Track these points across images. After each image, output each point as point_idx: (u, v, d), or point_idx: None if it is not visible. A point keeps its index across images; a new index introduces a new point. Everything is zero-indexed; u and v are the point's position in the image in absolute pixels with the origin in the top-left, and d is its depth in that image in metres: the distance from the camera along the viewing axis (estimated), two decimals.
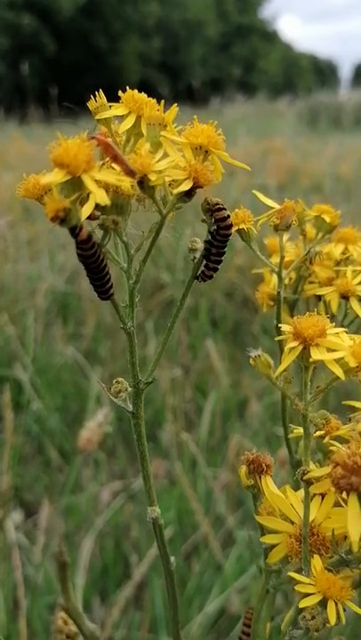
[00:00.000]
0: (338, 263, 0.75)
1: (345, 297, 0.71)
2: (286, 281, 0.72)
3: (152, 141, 0.56)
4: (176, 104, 0.58)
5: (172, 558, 0.66)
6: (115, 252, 0.57)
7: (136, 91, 0.56)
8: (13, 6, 20.53)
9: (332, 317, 0.70)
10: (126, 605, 1.66)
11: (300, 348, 0.52)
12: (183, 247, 3.31)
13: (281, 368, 0.53)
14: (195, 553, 1.84)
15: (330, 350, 0.52)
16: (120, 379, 0.60)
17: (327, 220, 0.71)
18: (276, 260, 0.70)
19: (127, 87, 0.58)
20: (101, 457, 2.17)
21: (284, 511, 0.57)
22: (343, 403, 0.54)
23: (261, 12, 33.69)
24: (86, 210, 0.49)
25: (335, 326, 0.54)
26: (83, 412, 2.32)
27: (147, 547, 1.78)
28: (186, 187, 0.53)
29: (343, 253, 0.75)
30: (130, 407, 0.60)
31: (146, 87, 0.54)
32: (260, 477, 0.60)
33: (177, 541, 1.84)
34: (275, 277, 0.68)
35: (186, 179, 0.54)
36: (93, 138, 0.50)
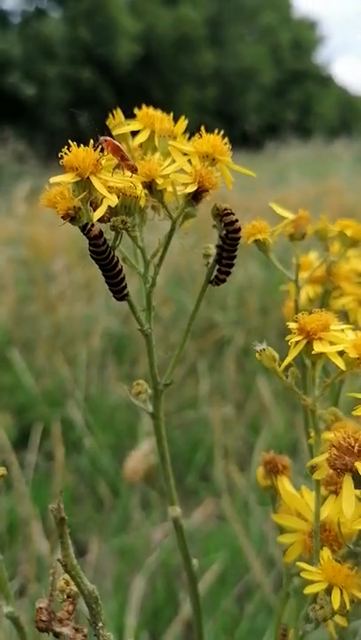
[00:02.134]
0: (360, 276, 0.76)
1: None
2: (312, 295, 0.74)
3: (162, 151, 0.60)
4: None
5: (195, 561, 0.67)
6: (134, 260, 0.60)
7: (151, 108, 0.60)
8: (74, 61, 21.37)
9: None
10: None
11: (304, 341, 0.54)
12: (234, 286, 3.32)
13: (286, 361, 0.55)
14: (247, 595, 1.80)
15: (333, 344, 0.53)
16: (140, 380, 0.63)
17: (348, 234, 0.72)
18: (304, 275, 0.71)
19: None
20: (153, 496, 2.16)
21: (300, 510, 0.59)
22: (348, 394, 0.54)
23: (316, 57, 33.99)
24: (99, 211, 0.53)
25: None
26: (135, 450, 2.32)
27: (199, 587, 1.75)
28: (191, 189, 0.56)
29: None
30: (150, 408, 0.63)
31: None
32: (276, 478, 0.61)
33: (229, 582, 1.80)
34: (301, 292, 0.69)
35: (191, 183, 0.57)
36: (103, 141, 0.54)
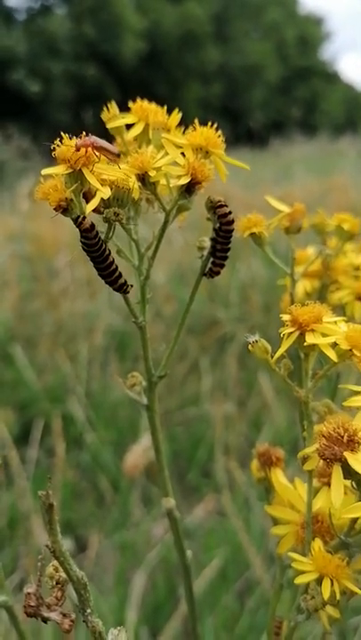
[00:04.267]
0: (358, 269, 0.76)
1: (360, 299, 0.72)
2: (309, 289, 0.74)
3: (156, 144, 0.61)
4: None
5: (189, 552, 0.68)
6: (129, 253, 0.61)
7: (153, 103, 0.60)
8: (79, 58, 21.36)
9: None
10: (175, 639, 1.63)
11: (297, 333, 0.54)
12: (237, 283, 3.32)
13: (279, 353, 0.55)
14: (247, 591, 1.80)
15: (325, 336, 0.53)
16: (135, 373, 0.63)
17: (345, 227, 0.72)
18: (301, 270, 0.71)
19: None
20: (154, 491, 2.16)
21: (293, 502, 0.60)
22: (340, 387, 0.55)
23: (322, 54, 33.90)
24: (92, 204, 0.53)
25: None
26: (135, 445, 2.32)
27: (199, 582, 1.75)
28: (184, 181, 0.56)
29: None
30: (144, 401, 0.63)
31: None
32: (270, 470, 0.61)
33: (229, 578, 1.81)
34: (297, 286, 0.69)
35: (184, 175, 0.57)
36: (81, 143, 0.54)
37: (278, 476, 0.62)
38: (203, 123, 0.59)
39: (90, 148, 0.53)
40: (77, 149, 0.53)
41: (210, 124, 0.58)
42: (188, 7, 24.73)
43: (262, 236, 0.66)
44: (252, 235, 0.66)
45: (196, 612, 0.70)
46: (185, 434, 2.55)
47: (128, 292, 0.59)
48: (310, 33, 31.52)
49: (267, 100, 27.15)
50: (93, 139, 0.54)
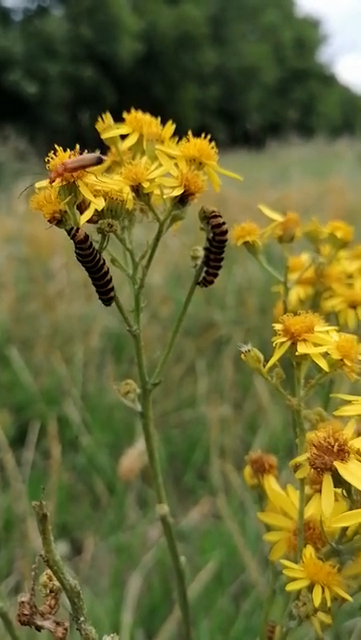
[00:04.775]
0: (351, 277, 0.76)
1: (353, 307, 0.72)
2: (303, 296, 0.74)
3: (150, 155, 0.61)
4: (205, 136, 0.61)
5: (182, 558, 0.68)
6: (123, 262, 0.61)
7: (140, 112, 0.60)
8: (75, 59, 21.36)
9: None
10: None
11: (289, 343, 0.54)
12: (234, 286, 3.32)
13: (271, 362, 0.55)
14: (243, 594, 1.81)
15: (317, 345, 0.53)
16: (129, 380, 0.64)
17: (338, 235, 0.72)
18: (294, 277, 0.72)
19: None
20: (150, 494, 2.17)
21: (285, 509, 0.60)
22: (331, 395, 0.55)
23: (319, 56, 33.95)
24: (86, 215, 0.54)
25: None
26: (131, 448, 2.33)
27: (194, 585, 1.76)
28: (177, 192, 0.57)
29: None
30: (138, 408, 0.64)
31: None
32: (263, 477, 0.62)
33: (225, 581, 1.81)
34: (290, 293, 0.70)
35: (178, 186, 0.57)
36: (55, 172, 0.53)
37: (271, 483, 0.63)
38: (199, 125, 0.59)
39: (67, 174, 0.53)
40: (52, 182, 0.53)
41: (203, 135, 0.59)
42: (184, 9, 24.74)
43: (256, 245, 0.66)
44: (246, 243, 0.66)
45: (189, 617, 0.71)
46: (181, 436, 2.55)
47: (109, 305, 0.60)
48: (307, 35, 31.55)
49: (264, 101, 27.17)
50: (67, 163, 0.53)
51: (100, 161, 0.55)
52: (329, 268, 0.74)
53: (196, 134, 0.60)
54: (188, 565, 1.84)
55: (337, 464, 0.47)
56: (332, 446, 0.47)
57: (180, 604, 0.71)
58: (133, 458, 1.33)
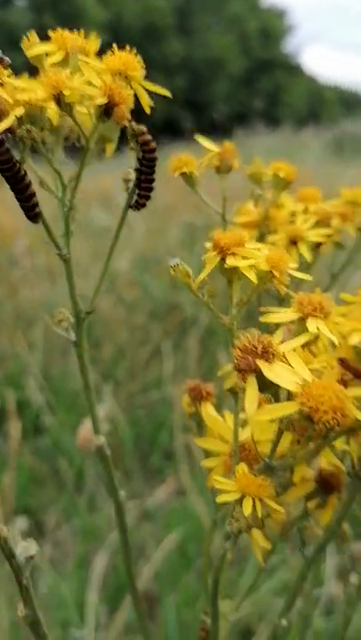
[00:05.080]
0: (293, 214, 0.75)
1: (294, 242, 0.71)
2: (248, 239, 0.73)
3: (73, 68, 0.59)
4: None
5: (122, 492, 0.70)
6: (53, 187, 0.59)
7: (67, 31, 0.59)
8: None
9: None
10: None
11: (218, 257, 0.53)
12: (198, 267, 3.31)
13: (201, 277, 0.54)
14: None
15: (246, 259, 0.52)
16: (62, 308, 0.63)
17: (281, 175, 0.71)
18: (240, 220, 0.70)
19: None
20: (116, 476, 2.14)
21: (223, 434, 0.60)
22: (261, 309, 0.54)
23: (285, 47, 34.01)
24: (5, 123, 0.52)
25: None
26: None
27: (163, 565, 1.74)
28: (101, 101, 0.55)
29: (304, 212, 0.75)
30: (73, 337, 0.62)
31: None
32: (200, 404, 0.61)
33: (190, 556, 1.80)
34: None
35: (101, 97, 0.55)
36: None
37: (208, 410, 0.63)
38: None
39: None
40: None
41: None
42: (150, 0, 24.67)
43: (193, 176, 0.65)
44: (183, 174, 0.65)
45: (131, 554, 0.71)
46: (147, 417, 2.54)
47: (37, 222, 0.58)
48: (273, 26, 31.61)
49: (230, 92, 27.20)
50: None
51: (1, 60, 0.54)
52: (274, 211, 0.72)
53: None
54: (153, 543, 1.83)
55: (261, 364, 0.46)
56: (256, 348, 0.46)
57: (121, 540, 0.71)
58: (91, 428, 1.29)
